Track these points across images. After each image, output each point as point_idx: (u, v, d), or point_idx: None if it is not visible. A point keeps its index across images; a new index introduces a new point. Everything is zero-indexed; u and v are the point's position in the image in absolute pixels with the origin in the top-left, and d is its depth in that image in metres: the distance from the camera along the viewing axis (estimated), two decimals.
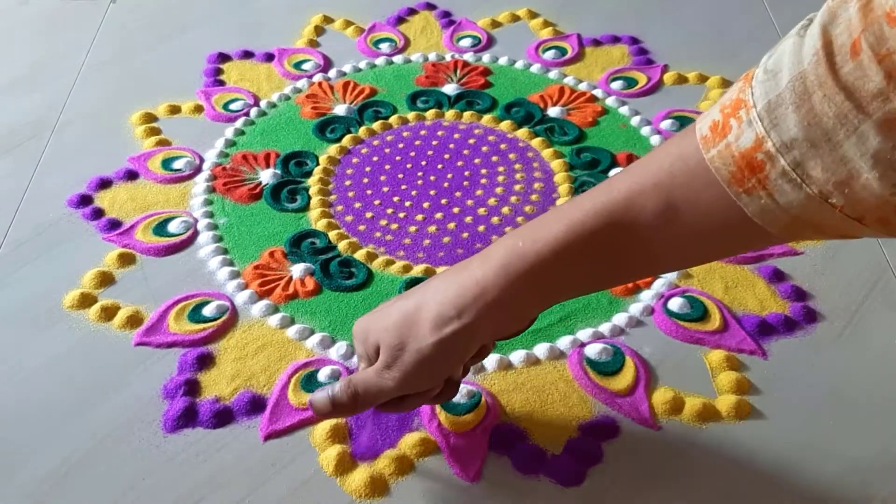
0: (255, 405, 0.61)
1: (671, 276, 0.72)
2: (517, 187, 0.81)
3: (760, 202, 0.37)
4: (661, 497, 0.57)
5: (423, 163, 0.83)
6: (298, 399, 0.61)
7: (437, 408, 0.61)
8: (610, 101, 0.90)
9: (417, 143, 0.85)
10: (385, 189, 0.80)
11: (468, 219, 0.77)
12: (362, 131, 0.86)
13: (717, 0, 1.06)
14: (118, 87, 0.92)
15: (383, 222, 0.77)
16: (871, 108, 0.32)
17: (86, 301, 0.69)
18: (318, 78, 0.93)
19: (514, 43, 0.99)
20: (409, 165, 0.83)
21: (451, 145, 0.85)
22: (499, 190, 0.80)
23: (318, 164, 0.83)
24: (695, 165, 0.39)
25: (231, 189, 0.80)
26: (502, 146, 0.85)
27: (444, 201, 0.79)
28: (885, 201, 0.34)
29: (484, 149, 0.85)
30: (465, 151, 0.84)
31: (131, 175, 0.81)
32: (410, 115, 0.88)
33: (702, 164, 0.39)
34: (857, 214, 0.35)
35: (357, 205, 0.79)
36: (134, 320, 0.67)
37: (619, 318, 0.68)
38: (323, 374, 0.63)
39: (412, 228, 0.76)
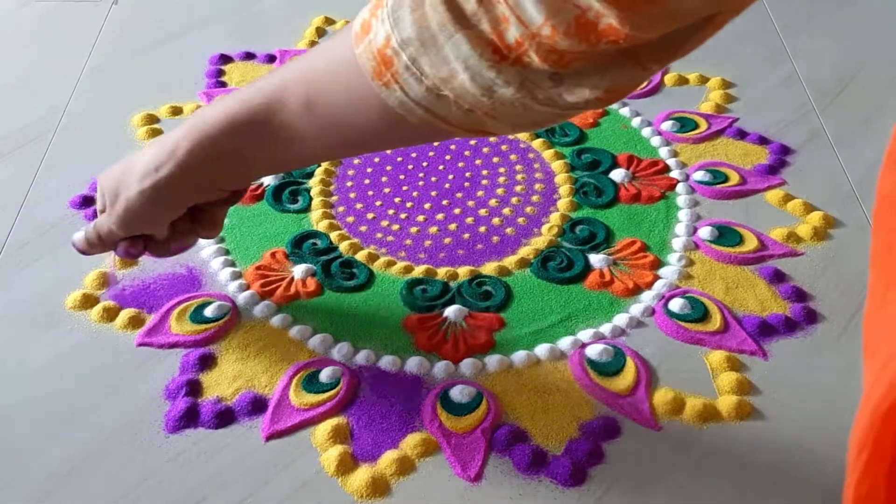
0: (257, 405, 0.62)
1: (672, 277, 0.72)
2: (518, 188, 0.81)
3: (396, 95, 0.42)
4: (662, 497, 0.57)
5: (425, 164, 0.83)
6: (300, 400, 0.62)
7: (439, 408, 0.61)
8: None
9: None
10: (386, 190, 0.80)
11: (469, 220, 0.77)
12: None
13: None
14: (120, 89, 0.92)
15: (384, 223, 0.77)
16: (466, 23, 0.38)
17: (88, 302, 0.69)
18: None
19: None
20: (410, 166, 0.83)
21: (453, 146, 0.85)
22: (500, 191, 0.80)
23: (319, 164, 0.83)
24: (347, 61, 0.44)
25: None
26: (503, 147, 0.85)
27: (445, 202, 0.79)
28: (481, 100, 0.40)
29: (485, 150, 0.85)
30: (467, 152, 0.84)
31: None
32: None
33: (353, 59, 0.43)
34: (469, 107, 0.40)
35: (358, 206, 0.79)
36: (136, 321, 0.67)
37: (620, 319, 0.69)
38: (324, 375, 0.63)
39: (413, 229, 0.76)
